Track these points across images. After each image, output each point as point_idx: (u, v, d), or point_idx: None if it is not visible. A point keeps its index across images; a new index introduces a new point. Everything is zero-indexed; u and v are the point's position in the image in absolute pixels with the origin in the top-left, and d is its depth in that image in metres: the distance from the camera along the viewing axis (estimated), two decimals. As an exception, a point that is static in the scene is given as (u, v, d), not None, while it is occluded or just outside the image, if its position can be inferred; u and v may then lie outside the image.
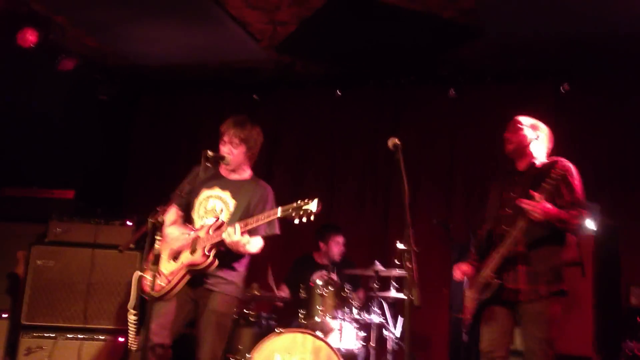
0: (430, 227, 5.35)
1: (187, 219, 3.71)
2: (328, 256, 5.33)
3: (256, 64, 5.93)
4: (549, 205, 3.14)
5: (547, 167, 3.32)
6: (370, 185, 6.08)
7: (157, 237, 3.16)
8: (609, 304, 3.95)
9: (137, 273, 3.44)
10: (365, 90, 6.21)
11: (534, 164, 3.40)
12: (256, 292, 4.75)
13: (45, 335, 4.69)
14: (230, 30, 5.16)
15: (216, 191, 3.70)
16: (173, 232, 3.66)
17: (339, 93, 6.18)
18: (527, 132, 3.45)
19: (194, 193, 3.65)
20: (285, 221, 3.54)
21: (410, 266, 2.78)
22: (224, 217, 3.63)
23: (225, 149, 3.71)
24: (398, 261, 3.00)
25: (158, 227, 3.18)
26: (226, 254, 3.55)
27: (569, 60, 5.41)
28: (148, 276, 3.29)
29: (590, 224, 3.87)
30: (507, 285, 3.28)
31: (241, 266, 3.72)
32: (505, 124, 5.48)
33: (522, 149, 3.44)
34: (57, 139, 5.62)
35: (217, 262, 3.52)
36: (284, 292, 5.29)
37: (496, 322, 3.32)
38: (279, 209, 3.45)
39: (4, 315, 4.79)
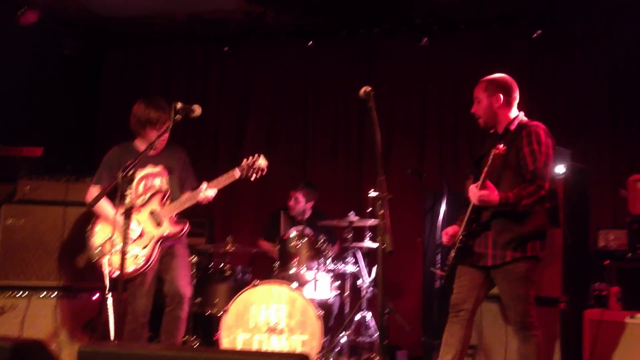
0: (404, 176, 5.37)
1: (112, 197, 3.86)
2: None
3: (226, 14, 5.80)
4: (485, 192, 3.14)
5: (519, 130, 3.29)
6: (343, 137, 6.06)
7: (127, 192, 3.25)
8: (578, 247, 4.03)
9: (103, 258, 3.81)
10: (337, 40, 6.14)
11: (508, 127, 3.35)
12: (230, 247, 4.75)
13: (19, 294, 4.64)
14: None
15: (149, 169, 3.99)
16: (110, 211, 3.90)
17: (311, 44, 6.09)
18: (490, 100, 3.35)
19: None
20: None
21: (383, 213, 2.79)
22: (165, 186, 4.00)
23: (158, 133, 3.86)
24: (371, 209, 3.03)
25: (129, 181, 3.26)
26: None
27: (542, 7, 5.38)
28: (115, 260, 3.70)
29: (560, 168, 3.91)
30: (477, 249, 3.31)
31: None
32: (479, 72, 5.52)
33: (493, 117, 3.38)
34: (23, 95, 5.47)
35: (188, 224, 3.94)
36: (266, 246, 5.31)
37: (465, 277, 3.37)
38: (237, 171, 3.93)
39: (-25, 275, 4.73)
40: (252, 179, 3.94)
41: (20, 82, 5.38)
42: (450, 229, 3.48)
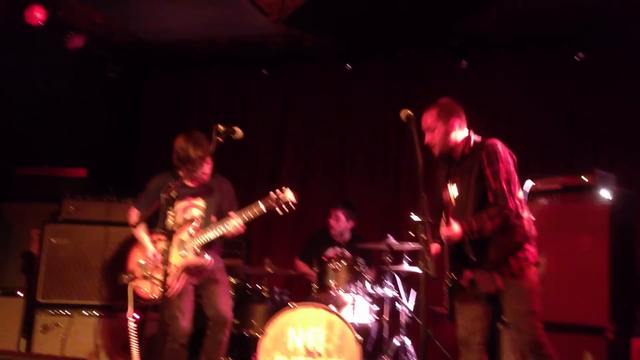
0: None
1: (151, 223, 4.04)
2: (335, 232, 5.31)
3: (265, 38, 5.88)
4: (449, 230, 3.11)
5: (476, 151, 3.25)
6: (380, 160, 6.04)
7: (170, 213, 3.35)
8: (624, 274, 3.92)
9: (130, 283, 3.92)
10: (375, 63, 6.15)
11: (464, 150, 3.31)
12: (268, 268, 4.75)
13: (61, 312, 4.73)
14: (239, 4, 5.11)
15: (188, 202, 4.05)
16: (147, 240, 4.05)
17: (349, 67, 6.12)
18: (446, 127, 3.32)
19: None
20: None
21: (424, 238, 2.77)
22: (201, 218, 4.04)
23: (205, 171, 4.05)
24: (412, 233, 3.00)
25: (170, 202, 3.35)
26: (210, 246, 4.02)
27: (583, 29, 5.32)
28: (143, 285, 3.88)
29: (605, 193, 3.82)
30: (464, 283, 3.22)
31: (219, 246, 4.17)
32: (518, 94, 5.47)
33: (448, 144, 3.34)
34: (68, 117, 5.62)
35: (211, 259, 3.97)
36: (302, 267, 5.31)
37: (466, 313, 3.29)
38: (262, 205, 3.91)
39: (19, 294, 4.83)
40: (281, 213, 3.90)
41: (65, 104, 5.53)
42: (433, 245, 3.34)
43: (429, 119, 3.37)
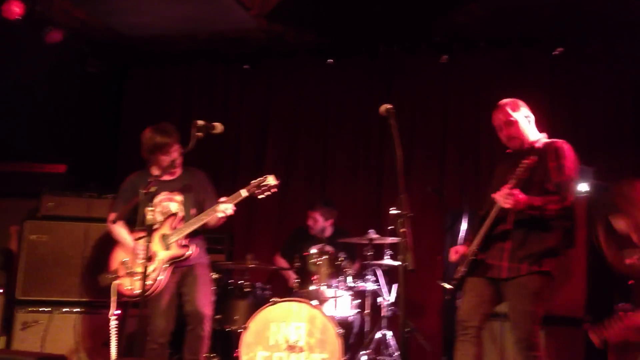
0: (424, 194, 5.34)
1: (130, 222, 3.98)
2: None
3: (247, 33, 5.86)
4: (518, 195, 3.14)
5: (545, 149, 3.33)
6: (363, 155, 6.05)
7: (149, 209, 3.33)
8: (602, 267, 3.97)
9: (113, 281, 3.90)
10: (357, 59, 6.15)
11: (533, 145, 3.38)
12: (251, 264, 4.75)
13: (41, 309, 4.69)
14: (220, -2, 5.09)
15: (164, 195, 4.02)
16: (127, 237, 4.00)
17: (331, 62, 6.13)
18: (520, 119, 3.41)
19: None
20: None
21: (404, 231, 2.79)
22: (180, 212, 4.03)
23: (169, 157, 3.97)
24: (392, 227, 3.03)
25: (150, 198, 3.34)
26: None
27: (563, 25, 5.36)
28: (126, 281, 3.85)
29: (583, 186, 3.88)
30: (489, 260, 3.30)
31: (201, 240, 4.13)
32: (499, 90, 5.50)
33: (525, 137, 3.41)
34: (47, 113, 5.57)
35: (195, 248, 3.96)
36: (281, 263, 5.32)
37: (473, 292, 3.35)
38: (244, 191, 3.92)
39: (-2, 291, 4.79)
40: (260, 197, 3.93)
41: (45, 100, 5.48)
42: (460, 248, 3.47)
43: (504, 113, 3.42)
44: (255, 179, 3.97)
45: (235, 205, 3.94)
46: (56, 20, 5.49)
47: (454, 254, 3.48)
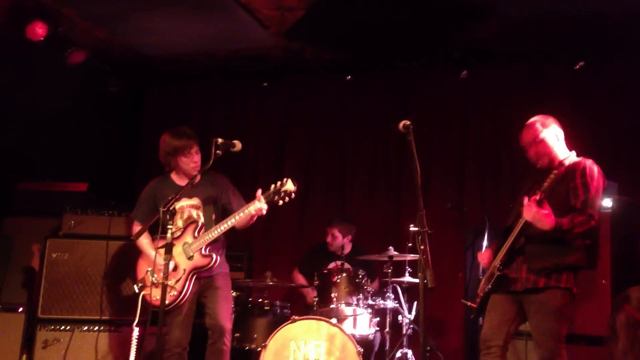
0: (444, 211, 5.30)
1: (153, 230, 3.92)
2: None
3: (265, 51, 5.90)
4: (544, 211, 3.09)
5: (572, 167, 3.29)
6: (381, 172, 6.03)
7: (169, 226, 3.36)
8: (627, 283, 3.89)
9: (141, 292, 3.90)
10: (375, 75, 6.16)
11: (562, 163, 3.33)
12: (270, 281, 4.74)
13: (62, 328, 4.71)
14: (238, 17, 5.12)
15: (185, 201, 4.01)
16: (149, 249, 3.99)
17: (349, 78, 6.14)
18: (548, 137, 3.38)
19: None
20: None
21: (423, 248, 2.76)
22: (200, 218, 4.02)
23: (195, 160, 4.00)
24: (411, 244, 3.00)
25: (171, 216, 3.35)
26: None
27: (583, 39, 5.31)
28: (153, 292, 3.79)
29: (607, 202, 3.81)
30: (509, 275, 3.27)
31: (222, 248, 4.10)
32: (519, 105, 5.47)
33: (552, 155, 3.38)
34: (69, 132, 5.63)
35: (218, 258, 3.91)
36: (299, 279, 5.30)
37: (496, 312, 3.31)
38: (263, 197, 3.82)
39: (20, 309, 4.81)
40: (280, 203, 3.81)
41: (66, 119, 5.55)
42: (485, 253, 3.43)
43: (532, 131, 3.40)
44: (274, 184, 3.86)
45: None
46: (78, 41, 5.58)
47: (483, 260, 3.43)
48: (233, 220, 3.85)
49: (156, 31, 5.43)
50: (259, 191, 3.85)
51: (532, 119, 3.47)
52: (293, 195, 3.81)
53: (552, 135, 3.38)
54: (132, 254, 4.33)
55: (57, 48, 5.40)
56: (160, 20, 5.23)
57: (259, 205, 3.80)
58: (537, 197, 3.11)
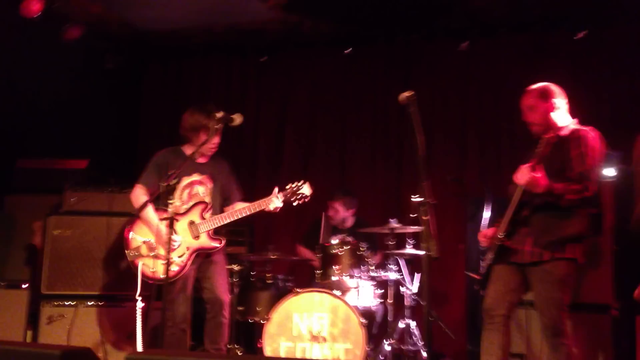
0: (445, 183, 5.29)
1: (156, 201, 3.95)
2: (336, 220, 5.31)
3: (263, 25, 5.84)
4: (536, 174, 3.11)
5: (569, 135, 3.28)
6: (381, 144, 6.01)
7: (170, 201, 3.34)
8: (629, 252, 3.91)
9: (138, 260, 3.89)
10: (375, 47, 6.11)
11: (558, 133, 3.31)
12: (272, 255, 4.75)
13: (66, 303, 4.73)
14: (236, -10, 5.08)
15: (195, 177, 4.05)
16: (154, 218, 3.97)
17: (348, 51, 6.08)
18: (546, 106, 3.36)
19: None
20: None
21: (426, 218, 2.76)
22: (207, 198, 4.04)
23: (215, 141, 4.03)
24: (414, 215, 3.00)
25: (171, 191, 3.34)
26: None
27: (584, 8, 5.26)
28: (149, 263, 3.86)
29: (609, 171, 3.81)
30: (514, 246, 3.27)
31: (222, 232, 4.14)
32: (520, 75, 5.43)
33: (547, 124, 3.35)
34: (68, 109, 5.60)
35: (224, 241, 3.98)
36: (304, 252, 5.32)
37: (500, 281, 3.33)
38: (280, 196, 3.96)
39: (24, 286, 4.83)
40: (295, 204, 3.99)
41: (65, 97, 5.51)
42: (489, 231, 3.44)
43: (529, 98, 3.40)
44: (292, 182, 4.03)
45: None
46: (74, 17, 5.52)
47: (483, 239, 3.44)
48: (247, 212, 3.95)
49: (152, 5, 5.38)
50: (276, 189, 3.96)
51: (533, 86, 3.44)
52: (307, 199, 4.02)
53: (548, 103, 3.36)
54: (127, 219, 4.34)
55: (53, 24, 5.34)
56: (156, -6, 5.18)
57: (277, 203, 3.95)
58: (529, 165, 3.13)
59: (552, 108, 3.36)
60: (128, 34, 6.04)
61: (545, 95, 3.38)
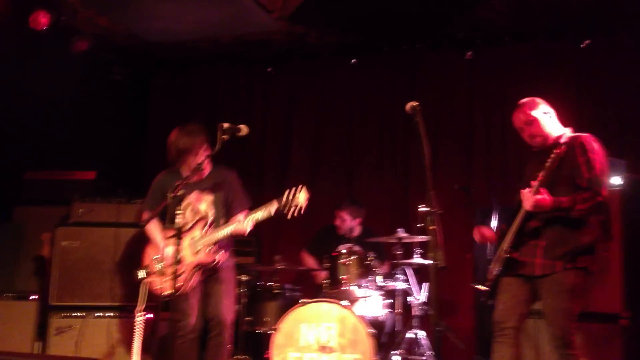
0: (452, 192, 5.28)
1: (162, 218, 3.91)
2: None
3: (269, 36, 5.87)
4: (540, 197, 3.12)
5: (570, 144, 3.27)
6: (388, 153, 6.02)
7: (177, 212, 3.36)
8: (638, 260, 3.89)
9: (144, 279, 3.86)
10: (380, 57, 6.13)
11: (558, 140, 3.31)
12: (279, 265, 4.75)
13: (74, 314, 4.75)
14: (241, 2, 5.10)
15: (194, 196, 4.01)
16: (158, 237, 4.00)
17: (354, 62, 6.11)
18: (540, 116, 3.38)
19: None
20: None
21: (433, 228, 2.76)
22: (210, 212, 4.02)
23: (198, 159, 3.93)
24: (421, 224, 3.01)
25: (178, 201, 3.35)
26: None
27: (589, 17, 5.27)
28: (157, 280, 3.83)
29: (616, 180, 3.80)
30: (522, 258, 3.26)
31: (229, 242, 4.10)
32: (526, 84, 5.44)
33: (547, 135, 3.37)
34: (76, 121, 5.64)
35: (221, 257, 3.96)
36: (308, 261, 5.32)
37: (509, 293, 3.31)
38: (275, 204, 3.78)
39: (32, 297, 4.85)
40: (289, 216, 3.74)
41: (73, 108, 5.56)
42: (485, 229, 3.44)
43: (523, 113, 3.41)
44: (289, 189, 3.79)
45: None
46: (81, 29, 5.57)
47: (477, 235, 3.44)
48: (229, 230, 3.87)
49: (158, 18, 5.42)
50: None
51: (520, 101, 3.47)
52: (302, 209, 3.74)
53: (541, 114, 3.38)
54: (142, 240, 4.35)
55: (61, 37, 5.39)
56: (162, 7, 5.22)
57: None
58: (533, 187, 3.14)
59: (547, 118, 3.38)
60: (135, 46, 6.09)
61: (536, 105, 3.40)
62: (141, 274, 3.95)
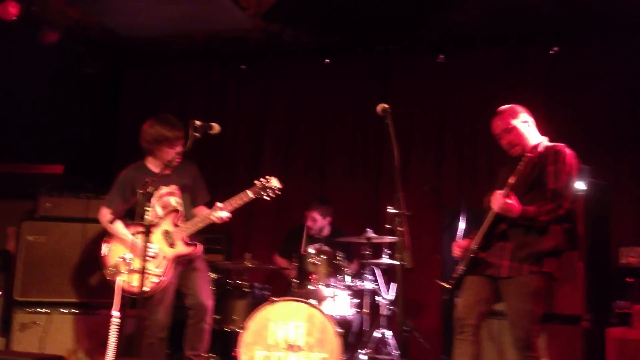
0: (422, 193, 5.35)
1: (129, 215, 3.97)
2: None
3: (243, 33, 5.85)
4: (510, 201, 3.16)
5: (545, 151, 3.33)
6: (361, 154, 6.06)
7: (147, 208, 3.32)
8: (600, 264, 3.99)
9: (119, 278, 3.83)
10: (354, 58, 6.16)
11: (534, 149, 3.36)
12: (249, 264, 4.75)
13: (39, 310, 4.68)
14: (216, -2, 5.08)
15: (164, 189, 4.02)
16: (126, 232, 3.98)
17: (328, 61, 6.13)
18: (519, 125, 3.42)
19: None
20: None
21: (401, 229, 2.80)
22: (180, 207, 4.05)
23: (174, 151, 3.96)
24: (389, 225, 3.03)
25: (148, 198, 3.33)
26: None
27: (560, 23, 5.37)
28: (130, 278, 3.80)
29: (580, 185, 3.88)
30: (489, 259, 3.30)
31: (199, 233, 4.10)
32: (497, 88, 5.52)
33: (524, 143, 3.41)
34: (44, 114, 5.55)
35: (199, 248, 3.98)
36: (281, 263, 5.32)
37: (471, 291, 3.35)
38: (250, 192, 3.97)
39: (-4, 293, 4.78)
40: (266, 197, 3.97)
41: (42, 101, 5.47)
42: (463, 242, 3.48)
43: (502, 120, 3.44)
44: (258, 179, 4.01)
45: (238, 207, 3.97)
46: (51, 21, 5.48)
47: (456, 249, 3.48)
48: (200, 224, 3.95)
49: (131, 11, 5.35)
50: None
51: (501, 108, 3.50)
52: (277, 192, 4.01)
53: (522, 123, 3.42)
54: (108, 237, 4.30)
55: (31, 28, 5.29)
56: (135, 0, 5.15)
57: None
58: (505, 190, 3.18)
59: (525, 127, 3.42)
60: (107, 39, 6.01)
61: (517, 114, 3.44)
62: (109, 273, 3.91)
